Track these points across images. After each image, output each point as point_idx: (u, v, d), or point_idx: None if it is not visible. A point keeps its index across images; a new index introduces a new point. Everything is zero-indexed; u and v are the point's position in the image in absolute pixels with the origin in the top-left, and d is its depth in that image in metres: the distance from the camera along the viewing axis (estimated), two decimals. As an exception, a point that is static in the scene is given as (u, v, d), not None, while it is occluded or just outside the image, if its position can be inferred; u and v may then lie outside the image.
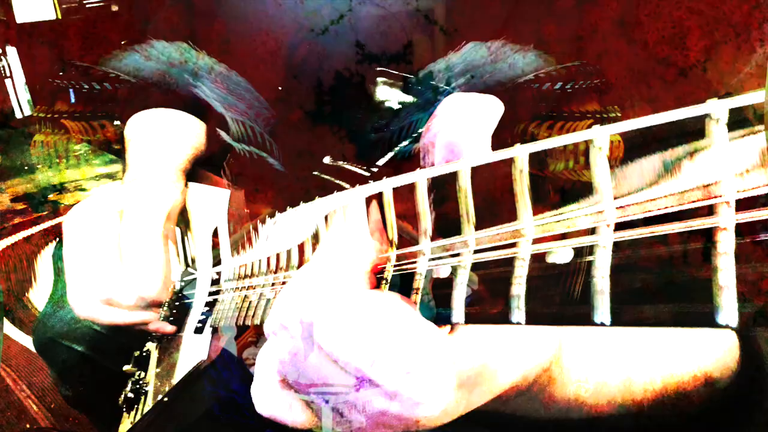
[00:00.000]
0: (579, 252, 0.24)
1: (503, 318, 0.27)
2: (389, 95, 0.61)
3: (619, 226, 0.23)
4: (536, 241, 0.27)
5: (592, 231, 0.24)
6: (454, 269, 0.31)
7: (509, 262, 0.27)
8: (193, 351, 0.66)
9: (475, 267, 0.30)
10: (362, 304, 0.33)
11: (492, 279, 0.29)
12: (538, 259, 0.26)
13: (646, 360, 0.45)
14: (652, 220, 0.22)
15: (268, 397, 0.39)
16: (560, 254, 0.25)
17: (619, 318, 0.23)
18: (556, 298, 0.25)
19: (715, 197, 0.20)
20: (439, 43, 0.62)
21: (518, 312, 0.27)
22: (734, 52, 0.53)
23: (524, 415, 0.42)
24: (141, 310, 0.68)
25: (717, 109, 0.20)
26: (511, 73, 0.60)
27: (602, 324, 0.23)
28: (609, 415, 0.44)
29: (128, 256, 0.65)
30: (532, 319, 0.26)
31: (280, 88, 0.69)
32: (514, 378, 0.36)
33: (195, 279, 0.71)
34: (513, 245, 0.27)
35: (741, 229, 0.20)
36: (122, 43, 0.82)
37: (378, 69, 0.61)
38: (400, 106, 0.61)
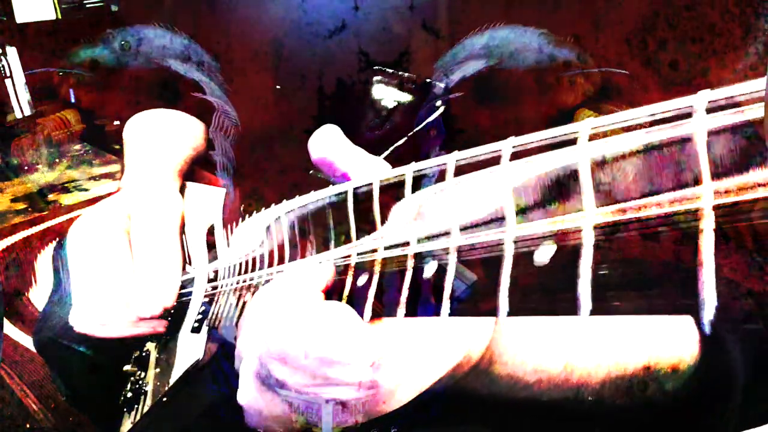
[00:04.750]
0: (561, 247, 0.24)
1: (489, 312, 0.28)
2: (387, 95, 0.61)
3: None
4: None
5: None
6: (441, 267, 0.32)
7: (495, 258, 0.28)
8: (191, 350, 0.66)
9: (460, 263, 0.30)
10: (314, 316, 0.38)
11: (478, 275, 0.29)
12: (522, 255, 0.26)
13: (592, 347, 0.47)
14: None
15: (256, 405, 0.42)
16: (542, 252, 0.25)
17: (598, 309, 0.23)
18: (537, 290, 0.26)
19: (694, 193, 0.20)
20: (442, 49, 0.63)
21: (502, 306, 0.27)
22: (733, 58, 0.53)
23: (475, 390, 0.46)
24: (149, 322, 0.68)
25: (702, 100, 0.20)
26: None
27: (581, 314, 0.23)
28: (564, 398, 0.47)
29: (146, 269, 0.65)
30: (514, 311, 0.27)
31: (278, 87, 0.69)
32: (456, 357, 0.41)
33: (192, 278, 0.71)
34: (497, 241, 0.28)
35: (724, 229, 0.20)
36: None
37: (376, 69, 0.61)
38: (395, 104, 0.61)
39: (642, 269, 0.22)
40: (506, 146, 0.28)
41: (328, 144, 0.42)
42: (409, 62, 0.63)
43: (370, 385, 0.37)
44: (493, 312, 0.27)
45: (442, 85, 0.62)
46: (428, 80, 0.62)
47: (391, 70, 0.61)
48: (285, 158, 0.69)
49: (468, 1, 0.66)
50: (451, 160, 0.32)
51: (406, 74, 0.61)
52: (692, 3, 0.52)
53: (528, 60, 0.61)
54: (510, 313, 0.27)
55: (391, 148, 0.59)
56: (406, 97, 0.61)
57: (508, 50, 0.61)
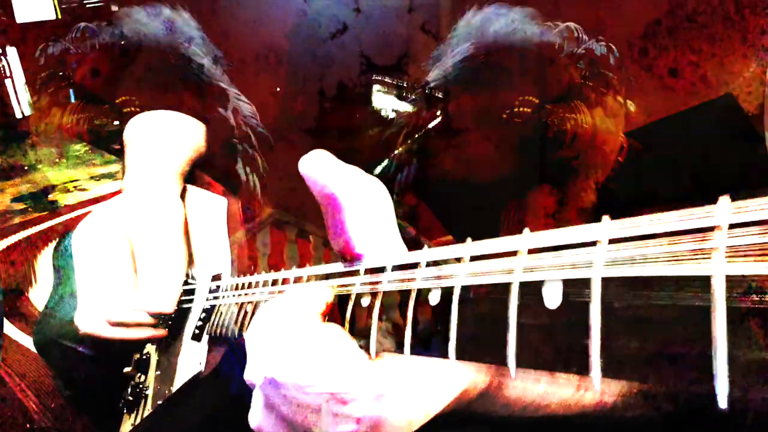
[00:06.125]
0: (571, 288, 0.24)
1: (498, 360, 0.27)
2: (385, 102, 0.61)
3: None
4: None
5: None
6: (445, 297, 0.31)
7: (502, 300, 0.27)
8: (192, 356, 0.66)
9: (469, 303, 0.30)
10: (312, 344, 0.37)
11: (484, 317, 0.29)
12: (531, 302, 0.26)
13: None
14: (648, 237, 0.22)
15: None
16: (551, 293, 0.24)
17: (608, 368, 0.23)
18: (548, 346, 0.25)
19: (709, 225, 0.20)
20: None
21: (511, 359, 0.27)
22: (740, 61, 0.53)
23: (488, 413, 0.45)
24: (151, 325, 0.68)
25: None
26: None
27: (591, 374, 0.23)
28: (576, 416, 0.46)
29: (150, 271, 0.65)
30: (523, 363, 0.26)
31: (278, 89, 0.69)
32: (462, 384, 0.40)
33: (193, 286, 0.71)
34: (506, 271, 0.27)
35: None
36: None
37: (375, 78, 0.61)
38: (394, 113, 0.61)
39: (653, 335, 0.22)
40: (523, 244, 0.28)
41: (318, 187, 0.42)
42: (409, 64, 0.63)
43: (372, 420, 0.37)
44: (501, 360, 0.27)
45: (441, 89, 0.62)
46: (427, 84, 0.62)
47: (389, 80, 0.61)
48: (285, 161, 0.69)
49: (467, 3, 0.66)
50: (466, 251, 0.31)
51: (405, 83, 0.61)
52: (693, 13, 0.51)
53: (515, 44, 0.61)
54: (518, 365, 0.26)
55: (384, 163, 0.59)
56: (405, 105, 0.61)
57: (493, 33, 0.61)
